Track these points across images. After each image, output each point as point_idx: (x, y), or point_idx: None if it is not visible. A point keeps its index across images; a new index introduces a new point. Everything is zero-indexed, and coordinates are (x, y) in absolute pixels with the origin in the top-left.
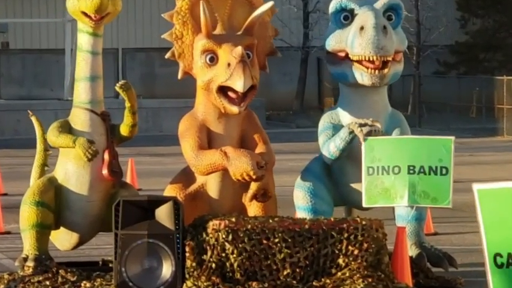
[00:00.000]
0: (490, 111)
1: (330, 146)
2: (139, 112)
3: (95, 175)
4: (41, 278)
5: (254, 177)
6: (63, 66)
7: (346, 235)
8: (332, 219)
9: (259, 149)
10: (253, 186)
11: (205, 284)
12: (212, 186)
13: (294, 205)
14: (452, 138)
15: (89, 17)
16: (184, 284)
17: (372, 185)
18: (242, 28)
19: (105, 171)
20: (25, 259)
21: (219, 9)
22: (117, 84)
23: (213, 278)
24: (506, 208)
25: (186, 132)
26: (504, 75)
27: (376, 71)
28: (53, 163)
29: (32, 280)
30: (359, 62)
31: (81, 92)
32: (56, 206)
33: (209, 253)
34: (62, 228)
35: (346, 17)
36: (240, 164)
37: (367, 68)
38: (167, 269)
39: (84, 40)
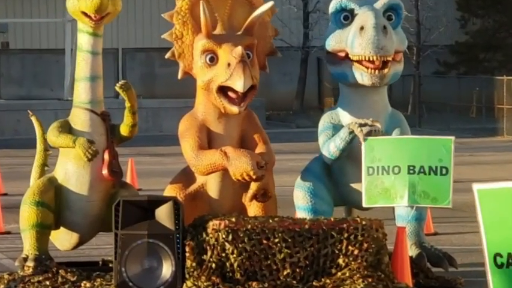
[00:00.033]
0: (490, 111)
1: (330, 146)
2: (139, 112)
3: (95, 175)
4: (41, 278)
5: (254, 177)
6: (63, 66)
7: (346, 235)
8: (332, 219)
9: (259, 149)
10: (253, 186)
11: (205, 284)
12: (212, 186)
13: (294, 205)
14: (452, 138)
15: (89, 17)
16: (184, 284)
17: (372, 185)
18: (242, 28)
19: (105, 171)
20: (25, 259)
21: (219, 9)
22: (117, 84)
23: (213, 278)
24: (506, 208)
25: (186, 132)
26: (504, 75)
27: (376, 71)
28: (53, 163)
29: (32, 280)
30: (359, 62)
31: (81, 92)
32: (56, 206)
33: (209, 253)
34: (62, 228)
35: (346, 17)
36: (240, 164)
37: (367, 68)
38: (167, 269)
39: (84, 40)
